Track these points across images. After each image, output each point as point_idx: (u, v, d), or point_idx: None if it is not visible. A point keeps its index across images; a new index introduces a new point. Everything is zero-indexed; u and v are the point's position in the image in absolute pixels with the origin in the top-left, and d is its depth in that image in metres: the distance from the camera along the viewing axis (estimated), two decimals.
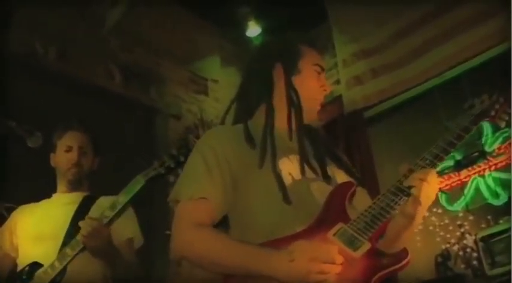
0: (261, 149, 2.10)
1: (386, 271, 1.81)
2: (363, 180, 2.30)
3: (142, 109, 5.72)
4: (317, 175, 2.15)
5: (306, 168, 2.12)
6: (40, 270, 2.86)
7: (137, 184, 2.88)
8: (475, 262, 5.28)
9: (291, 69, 2.27)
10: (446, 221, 5.58)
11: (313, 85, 2.29)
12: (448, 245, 5.60)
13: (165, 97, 5.91)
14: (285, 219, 2.00)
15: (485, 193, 5.15)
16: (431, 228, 5.82)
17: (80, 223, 2.79)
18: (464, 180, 5.30)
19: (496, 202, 5.08)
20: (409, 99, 5.72)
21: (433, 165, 2.06)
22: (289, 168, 2.10)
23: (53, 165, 3.24)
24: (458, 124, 2.27)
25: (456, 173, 5.34)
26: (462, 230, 5.37)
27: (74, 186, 3.18)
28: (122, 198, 2.89)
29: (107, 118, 5.07)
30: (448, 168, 5.42)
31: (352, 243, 1.86)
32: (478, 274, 5.26)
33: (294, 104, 2.24)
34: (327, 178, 2.16)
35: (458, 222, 5.43)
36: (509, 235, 4.24)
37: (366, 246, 1.85)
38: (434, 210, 5.78)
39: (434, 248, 5.64)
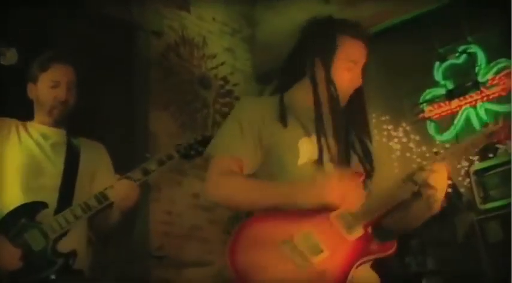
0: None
1: (372, 257, 2.14)
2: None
3: (123, 26, 5.44)
4: (333, 157, 2.30)
5: (325, 149, 2.28)
6: (52, 215, 2.76)
7: (170, 157, 3.00)
8: (450, 190, 5.37)
9: (328, 64, 2.36)
10: (424, 148, 5.61)
11: (345, 78, 2.37)
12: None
13: (146, 13, 5.63)
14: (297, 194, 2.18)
15: (476, 124, 5.12)
16: (408, 154, 5.87)
17: (115, 184, 2.82)
18: (454, 109, 5.25)
19: None
20: (401, 23, 5.54)
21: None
22: (309, 147, 2.28)
23: (32, 98, 3.01)
24: None
25: (447, 102, 5.28)
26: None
27: (56, 123, 3.00)
28: (154, 167, 2.96)
29: (85, 37, 4.82)
30: (439, 96, 5.36)
31: (349, 226, 2.14)
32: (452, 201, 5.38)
33: (333, 96, 2.35)
34: (341, 162, 2.30)
35: (435, 149, 5.45)
36: (504, 170, 4.24)
37: (359, 232, 2.14)
38: (412, 136, 5.81)
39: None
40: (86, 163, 3.01)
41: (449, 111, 5.28)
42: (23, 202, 2.76)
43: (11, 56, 2.59)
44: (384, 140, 6.03)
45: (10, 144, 2.91)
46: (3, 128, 2.92)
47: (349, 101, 2.40)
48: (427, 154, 5.53)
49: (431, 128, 5.42)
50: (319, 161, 2.26)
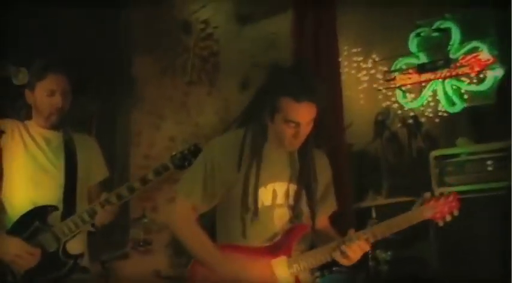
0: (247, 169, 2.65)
1: None
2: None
3: None
4: (285, 202, 2.69)
5: (278, 193, 2.67)
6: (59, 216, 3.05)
7: (166, 168, 3.15)
8: (410, 121, 5.77)
9: (273, 119, 2.62)
10: (389, 76, 5.88)
11: (288, 133, 2.61)
12: (388, 103, 6.00)
13: None
14: (247, 232, 2.65)
15: (442, 99, 5.44)
16: (375, 85, 6.16)
17: (98, 209, 3.04)
18: (423, 81, 5.53)
19: (451, 110, 5.40)
20: None
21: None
22: (266, 192, 2.66)
23: (30, 103, 3.23)
24: None
25: (417, 74, 5.55)
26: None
27: (53, 126, 3.25)
28: (152, 177, 3.13)
29: None
30: (412, 67, 5.61)
31: (283, 273, 2.55)
32: (412, 132, 5.78)
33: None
34: (291, 207, 2.70)
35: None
36: (463, 160, 4.61)
37: (290, 280, 2.57)
38: (380, 67, 6.08)
39: (375, 107, 6.05)
40: (82, 160, 3.28)
41: (418, 83, 5.56)
42: (30, 202, 3.05)
43: (23, 77, 2.74)
44: (353, 71, 6.31)
45: (15, 145, 3.15)
46: (7, 128, 3.12)
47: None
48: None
49: (399, 96, 5.71)
50: (272, 206, 2.66)
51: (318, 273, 3.79)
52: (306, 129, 2.60)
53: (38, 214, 3.04)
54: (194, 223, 2.65)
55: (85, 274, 3.14)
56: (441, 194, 2.68)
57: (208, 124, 6.20)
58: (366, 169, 5.86)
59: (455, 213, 2.64)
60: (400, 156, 5.93)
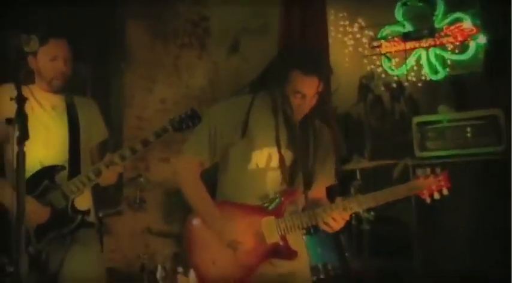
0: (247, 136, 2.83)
1: (274, 258, 2.75)
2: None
3: None
4: (278, 167, 2.82)
5: (273, 157, 2.82)
6: (66, 175, 3.20)
7: (165, 130, 3.31)
8: (394, 85, 6.00)
9: (282, 92, 2.76)
10: (375, 44, 6.09)
11: (295, 103, 2.75)
12: (373, 67, 6.22)
13: None
14: (243, 190, 2.85)
15: (425, 67, 5.66)
16: (360, 49, 6.36)
17: (103, 168, 3.18)
18: (408, 49, 5.74)
19: (434, 78, 5.63)
20: None
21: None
22: (261, 155, 2.83)
23: (33, 68, 3.31)
24: None
25: (402, 42, 5.75)
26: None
27: (56, 90, 3.34)
28: (152, 139, 3.28)
29: None
30: (397, 35, 5.81)
31: (271, 232, 2.74)
32: (396, 96, 6.00)
33: (288, 117, 2.81)
34: (284, 172, 2.83)
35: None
36: (443, 126, 4.84)
37: (276, 239, 2.73)
38: (366, 32, 6.27)
39: (360, 70, 6.24)
40: (84, 122, 3.40)
41: (403, 51, 5.77)
42: (38, 163, 3.16)
43: (34, 44, 2.85)
44: (339, 35, 6.49)
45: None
46: (5, 92, 3.11)
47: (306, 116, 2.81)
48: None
49: (384, 62, 5.92)
50: (265, 169, 2.82)
51: (303, 231, 4.00)
52: (310, 101, 2.74)
53: (46, 173, 3.18)
54: (198, 179, 2.86)
55: (90, 229, 3.31)
56: (432, 172, 2.74)
57: (199, 86, 6.35)
58: (350, 132, 6.07)
59: (444, 191, 2.73)
60: (383, 119, 6.16)
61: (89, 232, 3.31)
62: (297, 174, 2.85)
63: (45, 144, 3.25)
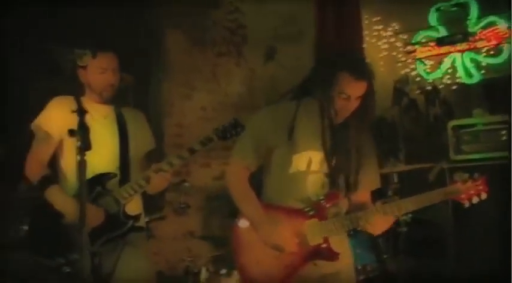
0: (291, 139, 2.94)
1: (315, 260, 2.87)
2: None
3: None
4: (320, 169, 2.96)
5: (314, 160, 2.94)
6: (117, 182, 3.36)
7: (210, 140, 3.46)
8: (429, 88, 6.07)
9: (328, 94, 2.85)
10: (409, 48, 6.17)
11: (339, 104, 2.86)
12: (407, 70, 6.30)
13: None
14: (285, 193, 2.98)
15: (460, 70, 5.74)
16: (394, 53, 6.45)
17: (152, 175, 3.33)
18: (442, 54, 5.83)
19: (468, 81, 5.71)
20: None
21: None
22: (302, 159, 2.94)
23: (83, 82, 3.44)
24: None
25: (436, 47, 5.84)
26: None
27: (105, 101, 3.50)
28: (198, 147, 3.42)
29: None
30: (431, 39, 5.90)
31: (313, 235, 2.87)
32: (430, 99, 6.07)
33: (331, 122, 2.89)
34: (326, 175, 2.97)
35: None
36: (478, 130, 4.93)
37: (319, 241, 2.87)
38: (400, 36, 6.36)
39: (394, 74, 6.33)
40: (132, 131, 3.56)
41: (437, 55, 5.86)
42: (90, 171, 3.10)
43: (87, 58, 2.98)
44: (374, 40, 6.59)
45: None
46: (64, 104, 3.33)
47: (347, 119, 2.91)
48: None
49: (420, 67, 6.01)
50: (306, 172, 2.94)
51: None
52: (354, 103, 2.84)
53: (99, 180, 3.34)
54: (245, 182, 3.00)
55: (141, 233, 3.48)
56: (470, 177, 2.81)
57: (236, 93, 6.51)
58: (385, 135, 6.17)
59: (483, 196, 2.80)
60: (418, 123, 6.24)
61: (139, 236, 3.49)
62: (338, 177, 2.96)
63: (97, 152, 3.38)
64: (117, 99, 3.59)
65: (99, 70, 3.41)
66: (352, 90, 2.81)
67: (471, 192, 2.82)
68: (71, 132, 2.52)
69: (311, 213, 2.92)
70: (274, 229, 2.88)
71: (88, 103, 3.40)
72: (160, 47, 5.95)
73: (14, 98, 4.71)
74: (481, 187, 2.82)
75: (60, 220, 3.24)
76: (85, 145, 2.48)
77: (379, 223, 2.84)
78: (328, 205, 2.91)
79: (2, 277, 3.98)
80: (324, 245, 2.88)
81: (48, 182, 3.31)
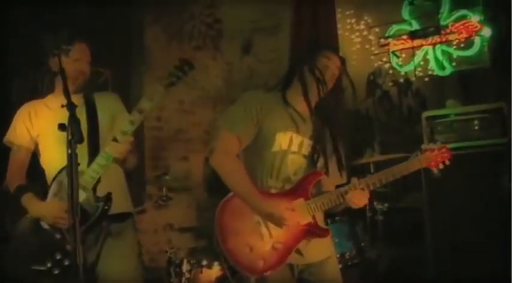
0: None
1: (311, 238, 2.95)
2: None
3: None
4: (299, 150, 3.05)
5: (294, 142, 3.03)
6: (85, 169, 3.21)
7: (158, 92, 3.29)
8: (401, 80, 6.21)
9: (313, 65, 3.06)
10: (383, 42, 6.28)
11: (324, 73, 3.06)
12: (380, 63, 6.41)
13: None
14: (267, 174, 3.02)
15: (433, 63, 5.88)
16: (367, 46, 6.55)
17: (116, 139, 3.15)
18: (416, 47, 5.96)
19: (441, 73, 5.84)
20: None
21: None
22: (285, 138, 3.02)
23: (55, 70, 3.33)
24: None
25: (409, 40, 5.97)
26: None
27: (76, 90, 3.40)
28: (147, 104, 3.24)
29: None
30: (404, 33, 6.03)
31: (303, 213, 2.94)
32: (403, 91, 6.21)
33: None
34: (305, 157, 3.07)
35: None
36: (452, 120, 5.05)
37: (309, 219, 2.94)
38: (373, 29, 6.45)
39: (367, 67, 6.45)
40: (103, 113, 3.46)
41: (410, 48, 5.99)
42: (62, 164, 3.13)
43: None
44: (347, 33, 6.68)
45: (45, 121, 3.36)
46: (26, 111, 3.38)
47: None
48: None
49: (393, 60, 6.14)
50: (287, 152, 3.01)
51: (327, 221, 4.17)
52: (331, 81, 3.05)
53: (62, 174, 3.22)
54: (234, 156, 2.98)
55: (125, 223, 3.39)
56: (434, 146, 3.14)
57: (214, 87, 6.57)
58: (360, 127, 6.29)
59: (447, 162, 3.10)
60: (391, 114, 6.36)
61: (123, 226, 3.39)
62: (317, 161, 3.07)
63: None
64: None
65: (72, 59, 3.35)
66: (334, 61, 3.05)
67: (438, 159, 3.11)
68: (61, 127, 2.55)
69: (296, 193, 2.99)
70: (269, 199, 2.90)
71: (56, 99, 3.35)
72: (140, 42, 5.98)
73: None
74: (445, 155, 3.12)
75: (39, 225, 3.21)
76: (77, 138, 2.51)
77: (358, 197, 2.95)
78: (310, 185, 3.00)
79: None
80: (313, 222, 2.96)
81: (22, 191, 3.29)
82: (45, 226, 3.20)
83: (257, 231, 2.91)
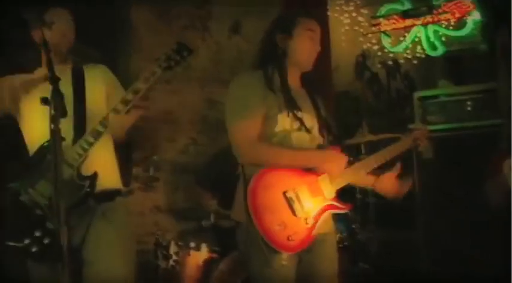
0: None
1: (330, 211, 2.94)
2: None
3: None
4: (301, 126, 2.97)
5: (292, 119, 2.93)
6: (71, 145, 3.04)
7: (153, 73, 3.15)
8: (390, 62, 6.14)
9: (291, 34, 2.96)
10: (373, 22, 6.21)
11: (307, 46, 2.99)
12: (369, 45, 6.35)
13: None
14: None
15: (424, 43, 5.80)
16: (357, 28, 6.48)
17: (109, 117, 3.04)
18: (407, 26, 5.88)
19: (433, 54, 5.78)
20: None
21: None
22: (286, 118, 2.92)
23: (39, 42, 3.17)
24: None
25: (401, 20, 5.89)
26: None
27: (62, 60, 3.28)
28: (142, 85, 3.12)
29: None
30: (396, 12, 5.94)
31: (328, 189, 2.91)
32: (392, 71, 6.15)
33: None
34: (308, 130, 3.00)
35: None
36: (444, 101, 4.98)
37: (333, 194, 2.92)
38: (362, 10, 6.39)
39: (356, 49, 6.38)
40: (93, 86, 3.30)
41: (402, 28, 5.91)
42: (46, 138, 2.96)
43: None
44: (336, 14, 6.60)
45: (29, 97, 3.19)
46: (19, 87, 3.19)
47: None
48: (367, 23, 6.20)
49: (384, 40, 6.05)
50: (290, 130, 2.94)
51: None
52: (317, 46, 3.00)
53: (46, 150, 3.05)
54: (259, 142, 2.86)
55: (114, 202, 3.21)
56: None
57: (202, 67, 6.45)
58: (349, 109, 6.23)
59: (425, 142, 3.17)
60: (380, 96, 6.30)
61: (113, 206, 3.22)
62: (322, 130, 3.05)
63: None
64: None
65: (47, 25, 3.18)
66: (314, 27, 2.99)
67: (425, 136, 3.20)
68: (44, 100, 2.44)
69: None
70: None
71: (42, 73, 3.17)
72: (127, 22, 5.85)
73: None
74: (428, 135, 3.22)
75: (18, 198, 3.05)
76: (60, 113, 2.41)
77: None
78: None
79: None
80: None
81: None
82: (25, 200, 3.03)
83: (290, 207, 2.82)
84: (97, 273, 3.08)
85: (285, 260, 2.79)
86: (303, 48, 2.98)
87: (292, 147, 2.91)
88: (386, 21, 5.98)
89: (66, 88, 3.10)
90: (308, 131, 2.98)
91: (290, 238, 2.76)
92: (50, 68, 2.54)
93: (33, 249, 2.97)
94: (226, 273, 4.32)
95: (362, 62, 6.35)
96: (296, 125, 2.94)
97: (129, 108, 3.11)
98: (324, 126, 3.06)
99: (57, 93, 2.42)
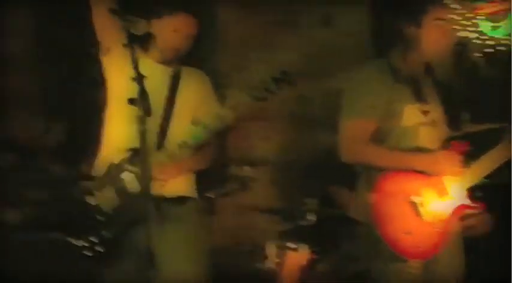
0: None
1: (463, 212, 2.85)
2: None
3: None
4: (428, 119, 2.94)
5: (420, 111, 2.89)
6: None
7: (243, 104, 3.26)
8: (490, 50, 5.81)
9: (419, 25, 2.90)
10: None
11: (436, 36, 2.90)
12: (467, 32, 5.99)
13: None
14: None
15: None
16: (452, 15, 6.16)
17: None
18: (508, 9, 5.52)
19: None
20: None
21: None
22: (412, 111, 2.90)
23: (151, 32, 3.26)
24: None
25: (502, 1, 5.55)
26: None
27: (167, 61, 3.35)
28: (230, 114, 3.21)
29: None
30: None
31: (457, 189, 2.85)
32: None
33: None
34: (434, 123, 2.98)
35: None
36: None
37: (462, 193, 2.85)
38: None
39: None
40: (187, 90, 3.37)
41: (503, 10, 5.55)
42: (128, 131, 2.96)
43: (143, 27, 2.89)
44: None
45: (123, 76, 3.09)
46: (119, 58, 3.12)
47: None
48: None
49: (483, 24, 5.72)
50: (418, 125, 2.88)
51: None
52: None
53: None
54: (368, 142, 2.86)
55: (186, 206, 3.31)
56: None
57: (292, 62, 6.33)
58: (447, 99, 5.94)
59: None
60: (480, 85, 5.98)
61: (185, 210, 3.28)
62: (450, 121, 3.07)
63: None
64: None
65: (172, 28, 3.25)
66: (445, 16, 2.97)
67: None
68: (131, 101, 2.41)
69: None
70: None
71: (146, 62, 3.18)
72: (214, 18, 5.80)
73: None
74: None
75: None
76: (146, 113, 2.37)
77: None
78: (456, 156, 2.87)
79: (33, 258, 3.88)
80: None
81: None
82: (93, 202, 3.07)
83: (416, 212, 2.75)
84: (165, 275, 3.04)
85: (413, 268, 2.66)
86: (431, 39, 2.89)
87: (404, 148, 2.85)
88: (487, 5, 5.64)
89: (162, 89, 3.27)
90: (435, 123, 2.88)
91: (417, 244, 2.66)
92: (136, 67, 2.51)
93: (87, 252, 3.01)
94: (326, 273, 4.22)
95: (460, 50, 6.06)
96: (423, 117, 2.87)
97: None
98: (450, 119, 3.01)
99: (143, 93, 2.38)
